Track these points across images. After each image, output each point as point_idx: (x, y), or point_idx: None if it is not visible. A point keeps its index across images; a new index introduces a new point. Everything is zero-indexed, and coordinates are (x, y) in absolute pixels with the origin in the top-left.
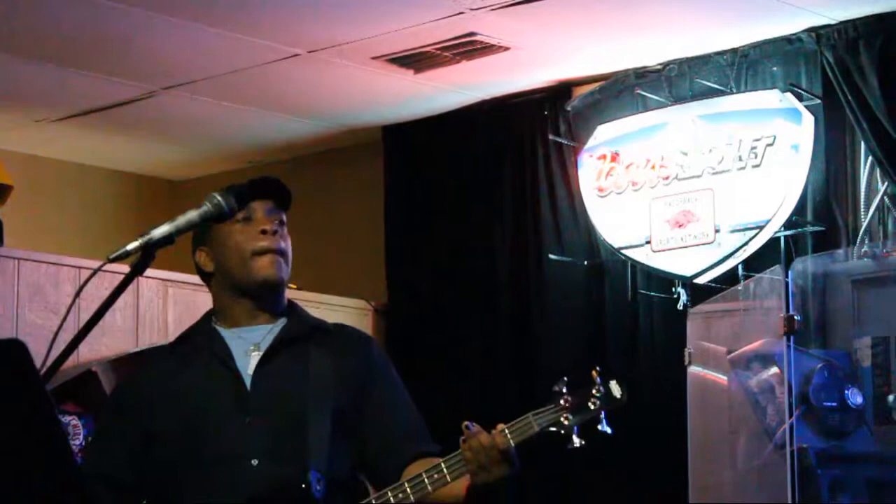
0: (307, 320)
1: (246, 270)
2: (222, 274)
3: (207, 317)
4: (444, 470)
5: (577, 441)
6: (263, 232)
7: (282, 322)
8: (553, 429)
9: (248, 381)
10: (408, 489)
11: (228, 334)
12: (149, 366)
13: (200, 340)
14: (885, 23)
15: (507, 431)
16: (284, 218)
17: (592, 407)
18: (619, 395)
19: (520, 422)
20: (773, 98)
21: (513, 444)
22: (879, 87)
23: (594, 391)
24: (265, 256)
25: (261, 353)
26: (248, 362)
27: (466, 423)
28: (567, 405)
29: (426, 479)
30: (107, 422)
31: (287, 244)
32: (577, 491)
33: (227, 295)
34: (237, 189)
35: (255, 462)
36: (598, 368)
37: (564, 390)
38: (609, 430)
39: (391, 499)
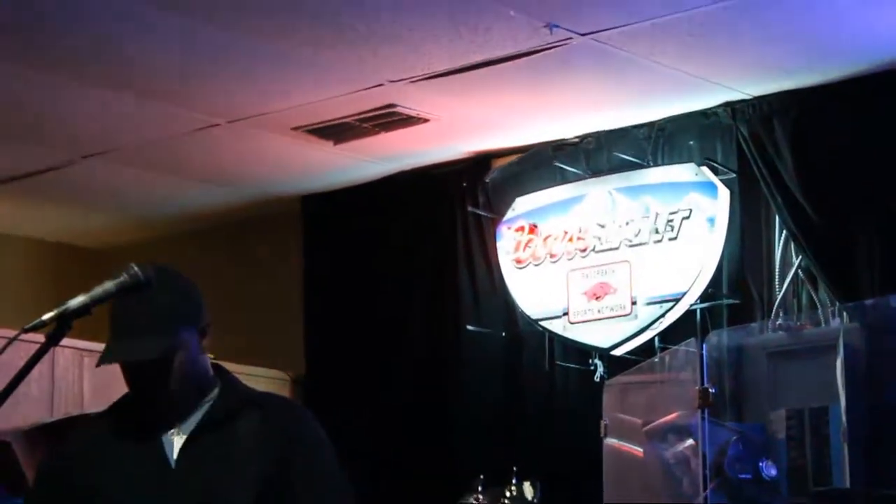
0: (235, 396)
1: None
2: None
3: None
4: None
5: None
6: None
7: (210, 399)
8: None
9: (172, 462)
10: None
11: None
12: (76, 439)
13: (129, 415)
14: (798, 98)
15: None
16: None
17: None
18: (530, 497)
19: None
20: (690, 172)
21: None
22: (793, 161)
23: (507, 491)
24: None
25: (184, 437)
26: (173, 442)
27: None
28: None
29: None
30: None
31: (182, 369)
32: None
33: None
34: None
35: None
36: (515, 468)
37: (479, 489)
38: None
39: None
